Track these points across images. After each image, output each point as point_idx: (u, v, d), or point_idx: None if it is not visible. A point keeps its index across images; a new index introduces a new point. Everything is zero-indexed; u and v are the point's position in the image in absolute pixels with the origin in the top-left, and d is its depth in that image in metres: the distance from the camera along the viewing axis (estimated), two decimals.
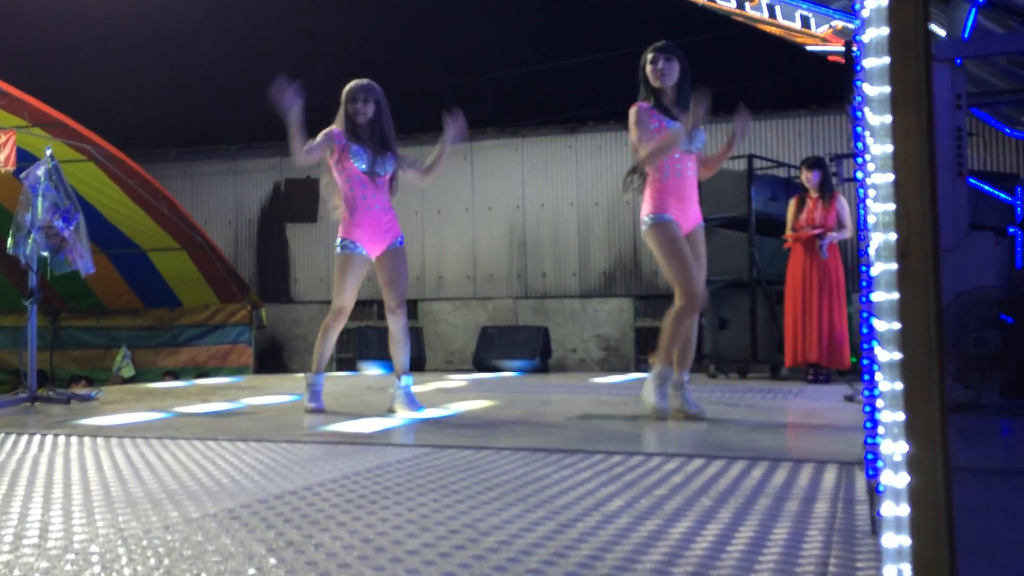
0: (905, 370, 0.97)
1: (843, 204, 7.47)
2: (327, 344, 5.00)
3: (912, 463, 0.96)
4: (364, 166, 4.82)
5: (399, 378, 4.94)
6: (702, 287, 4.50)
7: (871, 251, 1.12)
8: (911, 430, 0.96)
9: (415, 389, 5.12)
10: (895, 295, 0.97)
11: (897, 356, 0.98)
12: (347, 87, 4.90)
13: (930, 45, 0.94)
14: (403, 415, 4.79)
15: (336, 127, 4.89)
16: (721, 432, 4.09)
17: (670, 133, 4.39)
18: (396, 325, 4.94)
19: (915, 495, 0.96)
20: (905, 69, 0.94)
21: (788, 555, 1.90)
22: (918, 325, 0.96)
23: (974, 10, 6.43)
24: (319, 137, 4.85)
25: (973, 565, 1.88)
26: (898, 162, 0.95)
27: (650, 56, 4.55)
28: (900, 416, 0.98)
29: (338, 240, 4.93)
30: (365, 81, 4.89)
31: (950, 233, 5.07)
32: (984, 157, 10.33)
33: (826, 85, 10.66)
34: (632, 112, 4.52)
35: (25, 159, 8.02)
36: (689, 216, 4.54)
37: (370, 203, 4.86)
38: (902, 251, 0.95)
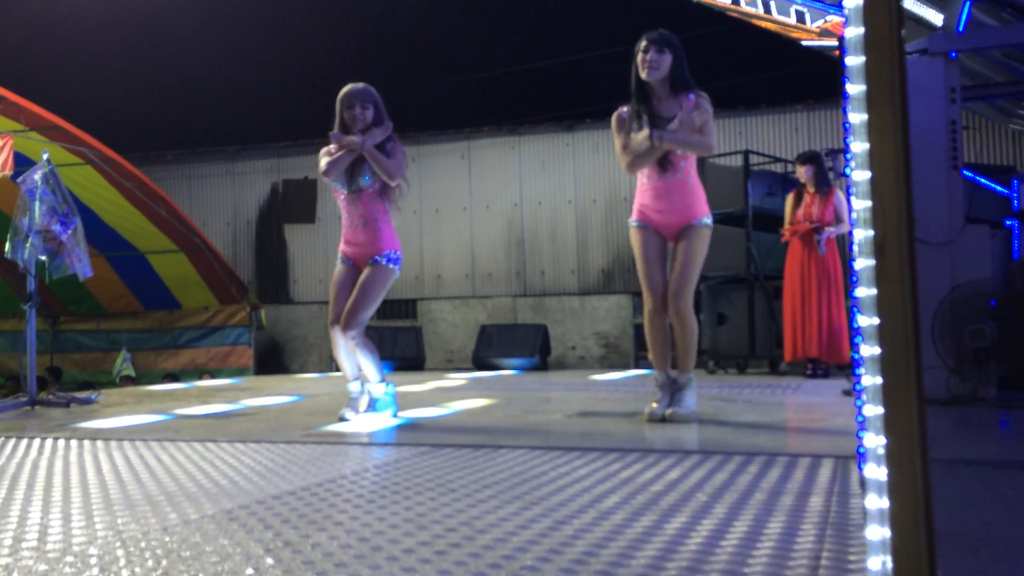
0: (883, 365, 0.98)
1: (840, 199, 7.47)
2: (336, 354, 4.74)
3: (891, 456, 0.97)
4: (341, 186, 4.66)
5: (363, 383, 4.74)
6: (662, 288, 4.56)
7: (855, 247, 1.13)
8: (889, 424, 0.97)
9: (414, 388, 5.09)
10: (874, 291, 0.99)
11: (877, 351, 1.00)
12: (342, 92, 4.69)
13: (903, 46, 0.95)
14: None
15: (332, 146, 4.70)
16: (718, 428, 4.11)
17: (634, 144, 4.36)
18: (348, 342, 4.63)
19: (894, 488, 0.97)
20: (880, 69, 0.95)
21: (781, 549, 1.92)
22: (894, 320, 0.97)
23: (968, 3, 6.43)
24: (322, 161, 4.68)
25: (966, 556, 1.89)
26: (874, 160, 0.97)
27: (642, 45, 4.39)
28: (880, 410, 1.00)
29: None
30: (361, 85, 4.69)
31: (945, 226, 5.06)
32: (979, 150, 10.35)
33: (822, 79, 10.68)
34: (612, 120, 4.51)
35: (22, 163, 8.02)
36: (673, 216, 4.47)
37: (351, 220, 4.68)
38: (879, 248, 0.96)
